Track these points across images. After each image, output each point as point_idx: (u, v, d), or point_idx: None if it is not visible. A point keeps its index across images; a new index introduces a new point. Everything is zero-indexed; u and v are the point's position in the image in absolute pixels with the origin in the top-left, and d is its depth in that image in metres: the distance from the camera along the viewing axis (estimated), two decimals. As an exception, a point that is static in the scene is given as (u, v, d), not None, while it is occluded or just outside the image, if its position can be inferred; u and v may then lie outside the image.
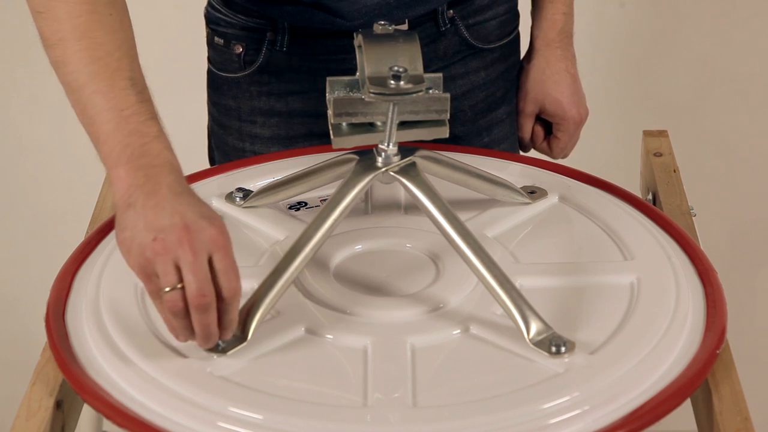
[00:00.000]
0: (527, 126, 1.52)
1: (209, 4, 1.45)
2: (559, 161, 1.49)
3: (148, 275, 1.03)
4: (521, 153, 1.53)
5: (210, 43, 1.46)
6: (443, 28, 1.43)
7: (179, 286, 1.02)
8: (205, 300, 1.02)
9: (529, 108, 1.51)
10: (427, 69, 1.43)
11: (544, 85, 1.49)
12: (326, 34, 1.38)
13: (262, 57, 1.41)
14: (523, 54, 1.53)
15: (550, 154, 1.53)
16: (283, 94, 1.43)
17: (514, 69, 1.52)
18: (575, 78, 1.49)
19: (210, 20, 1.45)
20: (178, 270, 1.02)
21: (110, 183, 1.08)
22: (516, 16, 1.51)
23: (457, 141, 1.45)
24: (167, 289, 1.02)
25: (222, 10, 1.43)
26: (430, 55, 1.43)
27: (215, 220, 1.04)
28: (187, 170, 1.36)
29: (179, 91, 2.37)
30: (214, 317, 1.03)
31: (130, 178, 1.06)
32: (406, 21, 1.39)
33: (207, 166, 1.40)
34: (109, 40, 1.11)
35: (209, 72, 1.48)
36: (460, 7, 1.44)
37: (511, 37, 1.50)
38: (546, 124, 1.52)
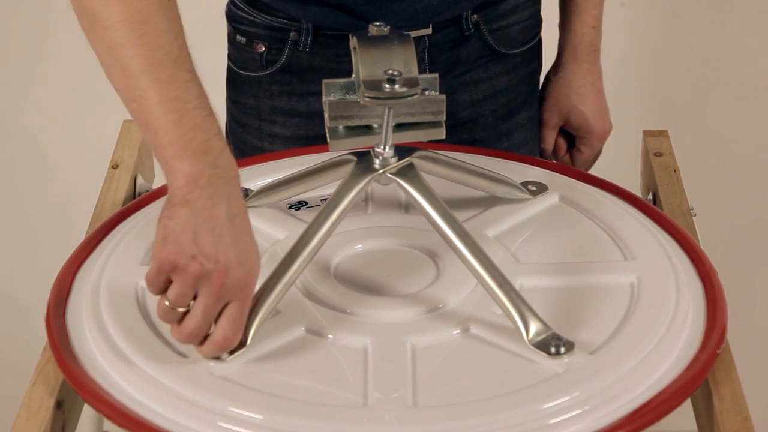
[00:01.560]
0: (550, 138, 1.53)
1: (232, 2, 1.46)
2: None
3: (163, 272, 1.03)
4: None
5: (231, 42, 1.46)
6: (467, 33, 1.43)
7: (181, 309, 1.03)
8: (194, 340, 1.05)
9: (554, 120, 1.51)
10: (449, 73, 1.44)
11: (569, 98, 1.50)
12: (348, 37, 1.38)
13: (285, 57, 1.42)
14: (545, 60, 1.53)
15: (572, 167, 1.52)
16: (304, 95, 1.43)
17: (536, 74, 1.52)
18: (600, 92, 1.50)
19: (232, 18, 1.46)
20: (192, 295, 1.03)
21: (167, 171, 1.06)
22: (539, 21, 1.51)
23: (476, 145, 1.45)
24: (167, 303, 1.03)
25: (245, 8, 1.43)
26: (453, 59, 1.43)
27: (253, 265, 1.05)
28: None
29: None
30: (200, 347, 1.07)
31: (194, 173, 1.04)
32: (430, 25, 1.39)
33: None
34: (170, 27, 1.08)
35: (229, 70, 1.48)
36: (484, 12, 1.43)
37: (534, 42, 1.50)
38: (569, 137, 1.53)
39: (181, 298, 1.03)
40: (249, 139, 1.47)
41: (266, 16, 1.42)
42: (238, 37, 1.45)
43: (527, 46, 1.49)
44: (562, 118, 1.51)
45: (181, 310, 1.04)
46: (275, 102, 1.44)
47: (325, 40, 1.41)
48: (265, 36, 1.42)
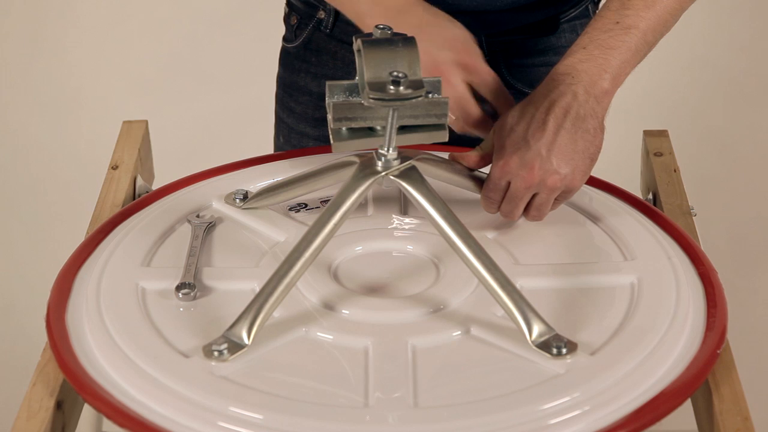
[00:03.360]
0: (485, 142, 1.24)
1: None
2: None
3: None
4: (465, 159, 1.25)
5: (284, 15, 1.53)
6: None
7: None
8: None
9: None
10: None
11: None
12: None
13: (307, 34, 1.47)
14: None
15: (481, 204, 1.23)
16: (317, 75, 1.48)
17: None
18: (546, 125, 1.16)
19: None
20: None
21: (363, 16, 1.25)
22: None
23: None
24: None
25: None
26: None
27: (457, 45, 1.20)
28: (189, 170, 1.37)
29: (181, 90, 2.38)
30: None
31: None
32: None
33: (210, 164, 1.40)
34: None
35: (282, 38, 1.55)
36: (503, 44, 1.41)
37: None
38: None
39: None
40: (277, 108, 1.55)
41: None
42: (285, 7, 1.51)
43: None
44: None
45: None
46: (294, 77, 1.50)
47: (344, 26, 1.44)
48: (300, 9, 1.48)
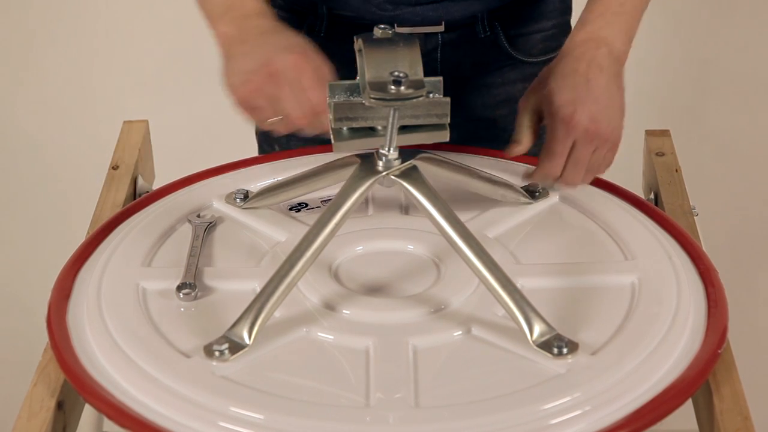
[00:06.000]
0: (523, 125, 1.31)
1: None
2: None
3: (250, 109, 1.18)
4: (514, 147, 1.32)
5: None
6: (482, 35, 1.42)
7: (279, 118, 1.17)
8: (302, 122, 1.17)
9: (529, 102, 1.30)
10: (463, 74, 1.43)
11: (547, 76, 1.29)
12: (363, 25, 1.39)
13: None
14: None
15: (535, 175, 1.29)
16: None
17: None
18: (589, 83, 1.25)
19: None
20: (274, 101, 1.17)
21: (216, 40, 1.25)
22: (566, 32, 1.47)
23: (479, 143, 1.41)
24: (269, 121, 1.18)
25: None
26: (465, 60, 1.43)
27: (294, 48, 1.19)
28: (190, 170, 1.37)
29: (181, 90, 2.38)
30: (314, 128, 1.18)
31: (227, 31, 1.23)
32: (443, 23, 1.38)
33: (210, 164, 1.40)
34: None
35: None
36: (502, 17, 1.42)
37: (557, 52, 1.34)
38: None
39: (263, 111, 1.18)
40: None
41: None
42: None
43: (550, 56, 1.44)
44: (536, 101, 1.30)
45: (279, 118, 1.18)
46: None
47: (339, 28, 1.42)
48: (287, 18, 1.45)
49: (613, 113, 1.24)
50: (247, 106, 1.19)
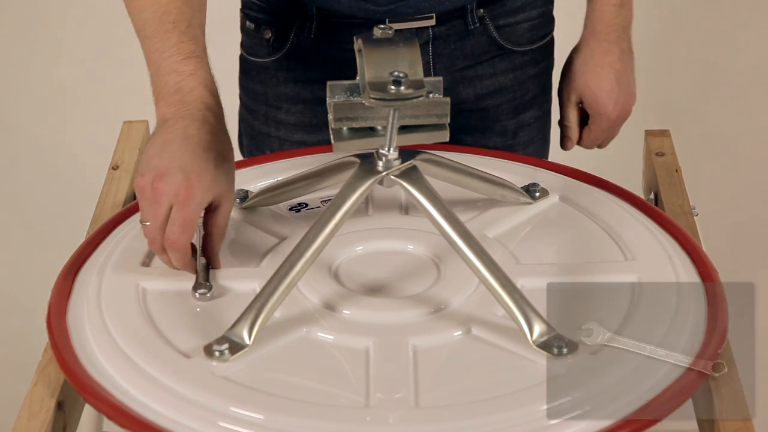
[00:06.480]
0: (570, 114, 1.50)
1: None
2: (560, 161, 1.49)
3: (138, 195, 1.15)
4: (569, 143, 1.53)
5: (242, 28, 1.50)
6: (472, 27, 1.44)
7: (147, 223, 1.14)
8: (155, 247, 1.15)
9: (571, 97, 1.49)
10: (454, 67, 1.44)
11: (584, 76, 1.47)
12: (354, 23, 1.39)
13: (290, 43, 1.44)
14: (558, 58, 1.52)
15: (581, 143, 1.52)
16: (308, 82, 1.45)
17: (546, 73, 1.52)
18: (621, 73, 1.46)
19: (244, 5, 1.49)
20: (147, 211, 1.14)
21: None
22: (550, 21, 1.51)
23: (471, 133, 1.46)
24: (141, 222, 1.15)
25: None
26: (457, 52, 1.44)
27: (199, 172, 1.12)
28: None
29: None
30: (168, 259, 1.15)
31: (163, 113, 1.17)
32: (434, 16, 1.39)
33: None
34: None
35: (241, 57, 1.51)
36: (490, 7, 1.44)
37: (544, 41, 1.51)
38: (585, 114, 1.52)
39: (140, 211, 1.14)
40: (257, 124, 1.50)
41: (274, 2, 1.44)
42: (247, 22, 1.48)
43: (536, 45, 1.49)
44: (577, 96, 1.49)
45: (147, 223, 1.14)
46: (281, 88, 1.47)
47: (330, 27, 1.42)
48: (273, 22, 1.45)
49: (633, 94, 1.48)
50: (136, 189, 1.15)
